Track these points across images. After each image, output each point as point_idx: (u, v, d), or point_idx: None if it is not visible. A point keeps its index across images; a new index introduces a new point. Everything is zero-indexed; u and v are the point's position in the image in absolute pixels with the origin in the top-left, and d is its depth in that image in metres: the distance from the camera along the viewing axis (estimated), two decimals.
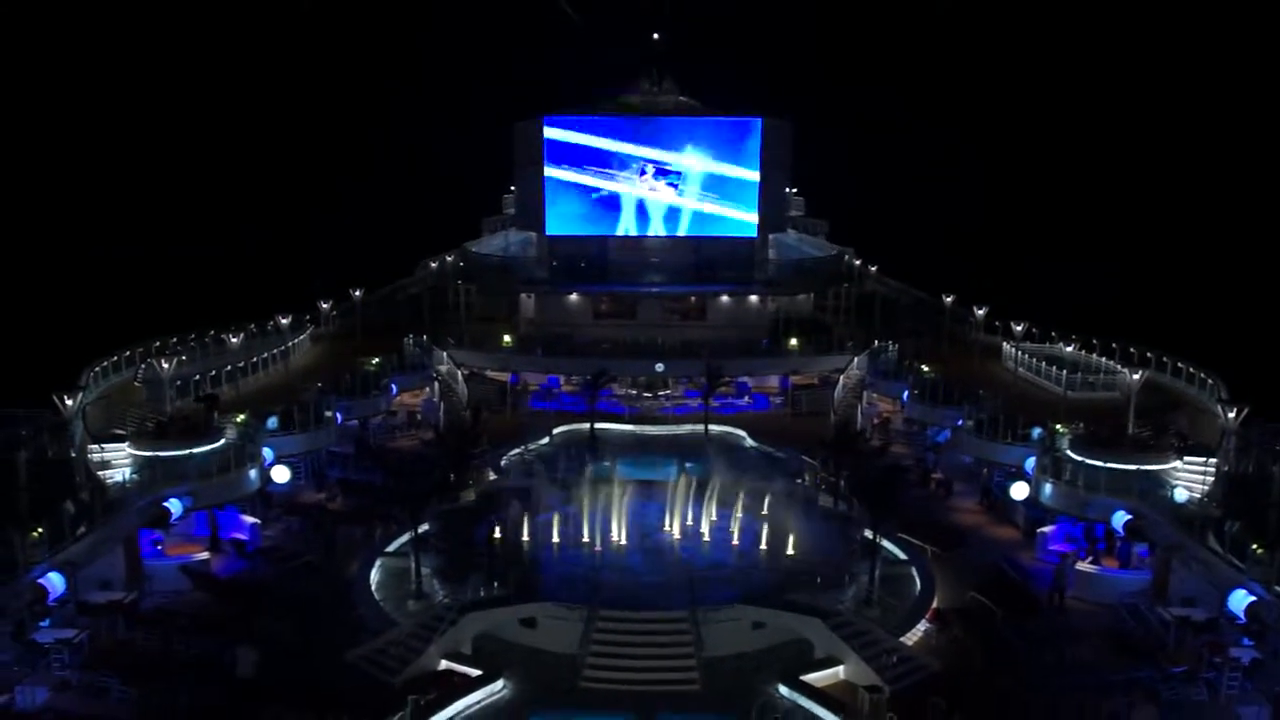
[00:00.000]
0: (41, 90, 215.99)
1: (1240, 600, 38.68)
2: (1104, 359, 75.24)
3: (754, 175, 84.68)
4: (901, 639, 40.58)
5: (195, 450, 49.32)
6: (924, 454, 65.04)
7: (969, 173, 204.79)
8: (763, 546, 48.14)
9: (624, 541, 48.78)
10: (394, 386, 72.31)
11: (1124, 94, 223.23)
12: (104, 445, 53.33)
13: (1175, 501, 47.07)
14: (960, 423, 62.62)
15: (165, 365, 54.13)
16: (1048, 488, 50.66)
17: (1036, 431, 56.54)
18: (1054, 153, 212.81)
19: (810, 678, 38.18)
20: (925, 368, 73.54)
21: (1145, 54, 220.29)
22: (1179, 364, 70.10)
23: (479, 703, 37.01)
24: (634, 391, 78.92)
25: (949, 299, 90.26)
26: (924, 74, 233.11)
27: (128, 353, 71.05)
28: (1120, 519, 46.66)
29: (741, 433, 69.45)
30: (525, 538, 48.70)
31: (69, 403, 51.35)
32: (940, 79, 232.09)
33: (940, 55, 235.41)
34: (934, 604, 43.65)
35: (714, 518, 51.50)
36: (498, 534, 48.36)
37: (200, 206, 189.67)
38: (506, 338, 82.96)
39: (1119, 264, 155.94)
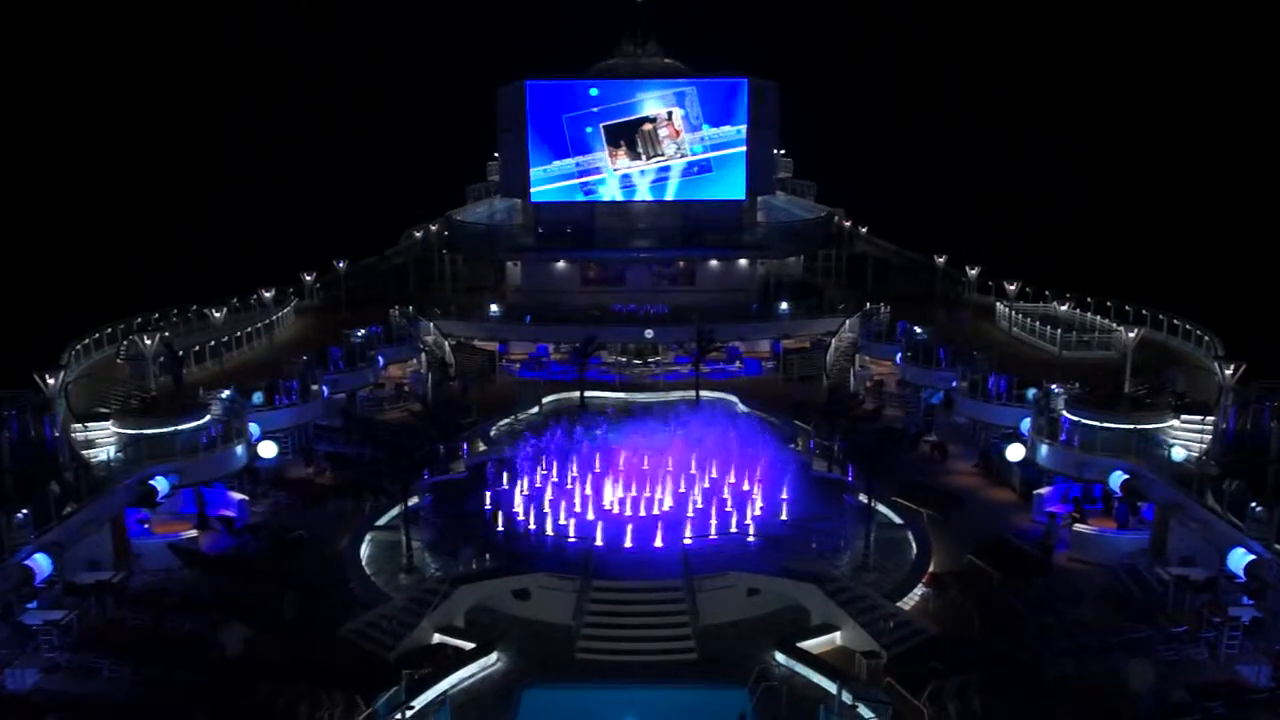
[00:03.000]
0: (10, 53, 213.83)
1: (1239, 559, 38.80)
2: (1099, 317, 75.38)
3: (741, 137, 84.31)
4: (898, 604, 40.67)
5: (181, 427, 49.09)
6: (917, 416, 65.14)
7: (959, 127, 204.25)
8: (756, 513, 48.15)
9: (616, 510, 48.78)
10: (381, 359, 72.10)
11: (1122, 45, 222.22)
12: (87, 424, 53.16)
13: (1173, 460, 47.14)
14: (954, 384, 62.71)
15: (148, 341, 53.82)
16: (1044, 449, 50.76)
17: (1031, 392, 56.64)
18: (1048, 106, 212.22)
19: (807, 644, 38.31)
20: (919, 328, 73.55)
21: (1144, 8, 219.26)
22: (1175, 321, 70.24)
23: (473, 676, 37.07)
24: (624, 359, 78.88)
25: (941, 259, 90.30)
26: (916, 24, 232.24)
27: (109, 329, 70.75)
28: (1117, 479, 46.82)
29: (733, 398, 69.42)
30: (516, 509, 48.74)
31: (50, 381, 51.06)
32: (933, 29, 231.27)
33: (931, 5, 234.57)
34: (930, 568, 43.79)
35: (706, 484, 51.53)
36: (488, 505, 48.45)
37: (178, 177, 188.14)
38: (494, 306, 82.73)
39: (1114, 219, 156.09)
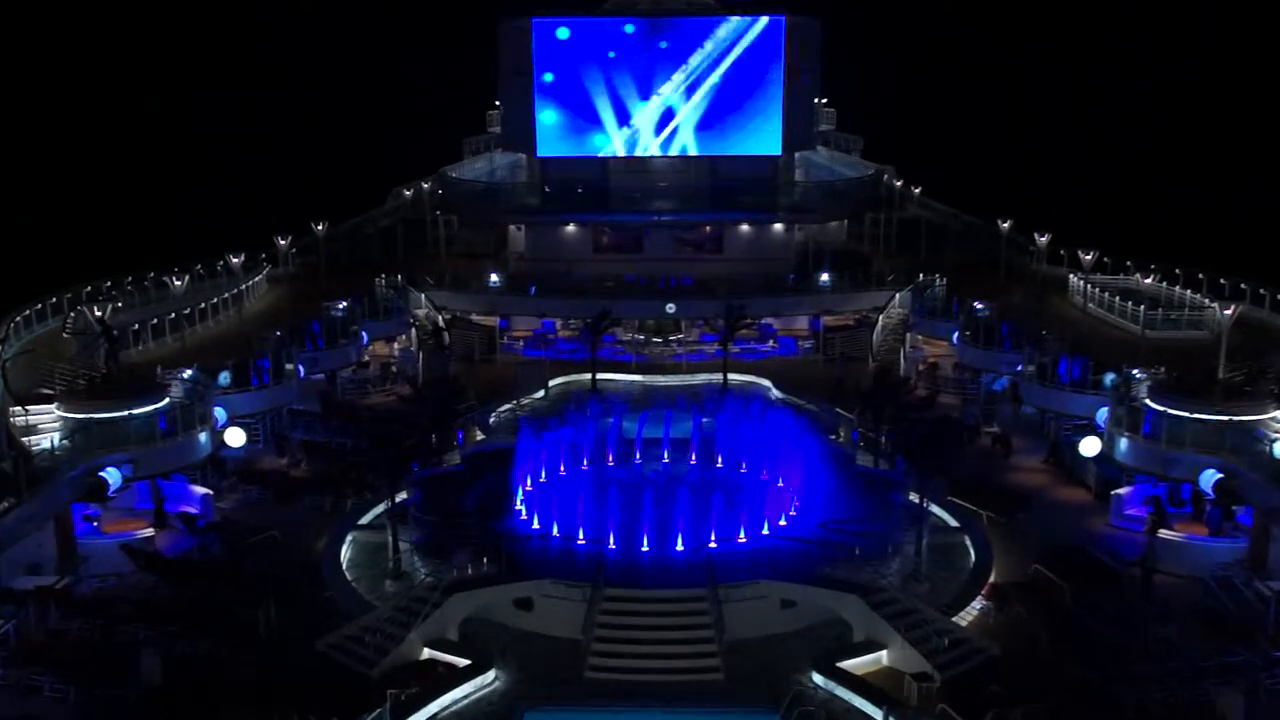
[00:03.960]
0: None
1: None
2: (1189, 292, 74.82)
3: (778, 83, 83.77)
4: (954, 619, 40.44)
5: (135, 411, 48.95)
6: (977, 405, 64.75)
7: (1027, 71, 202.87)
8: (792, 513, 47.90)
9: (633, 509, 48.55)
10: (365, 335, 72.02)
11: None
12: (28, 407, 53.11)
13: (1275, 457, 46.63)
14: (1020, 369, 62.30)
15: (98, 313, 53.78)
16: (1123, 443, 50.34)
17: (1110, 378, 56.13)
18: (1129, 55, 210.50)
19: (848, 664, 38.07)
20: (979, 304, 73.09)
21: None
22: (1278, 296, 69.64)
23: (468, 697, 36.93)
24: (641, 337, 78.59)
25: (1005, 224, 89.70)
26: None
27: (53, 299, 70.80)
28: (1209, 479, 46.26)
29: (766, 382, 69.20)
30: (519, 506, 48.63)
31: None
32: None
33: None
34: (991, 578, 43.51)
35: (735, 481, 51.29)
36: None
37: (132, 128, 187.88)
38: (494, 276, 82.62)
39: (1210, 178, 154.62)
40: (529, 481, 50.96)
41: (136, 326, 67.87)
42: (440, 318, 77.76)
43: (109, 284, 74.24)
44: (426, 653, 39.22)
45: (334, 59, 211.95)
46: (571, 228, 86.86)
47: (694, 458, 53.25)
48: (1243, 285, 69.69)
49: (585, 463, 53.22)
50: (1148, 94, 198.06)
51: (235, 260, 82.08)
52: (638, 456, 53.46)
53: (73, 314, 68.55)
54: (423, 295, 79.03)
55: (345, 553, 46.17)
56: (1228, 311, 52.88)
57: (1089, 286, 79.12)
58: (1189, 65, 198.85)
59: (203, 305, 74.17)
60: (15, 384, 56.46)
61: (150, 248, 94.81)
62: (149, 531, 48.14)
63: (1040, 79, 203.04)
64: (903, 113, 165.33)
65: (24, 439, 49.58)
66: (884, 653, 38.75)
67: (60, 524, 45.11)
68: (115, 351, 54.59)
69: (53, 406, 51.37)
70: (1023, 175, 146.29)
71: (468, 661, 38.38)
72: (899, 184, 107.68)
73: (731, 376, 68.88)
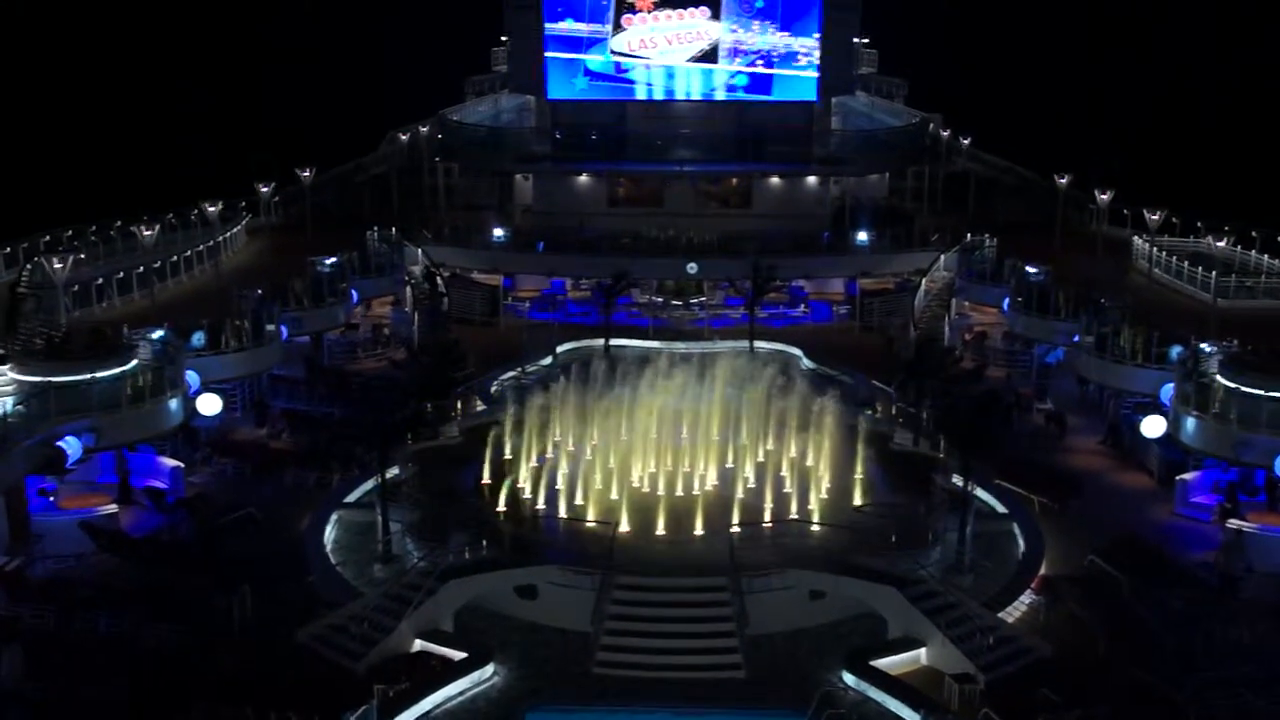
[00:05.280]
0: None
1: None
2: (1266, 256, 74.40)
3: (813, 21, 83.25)
4: (1000, 615, 40.37)
5: (99, 374, 48.91)
6: (1030, 379, 64.51)
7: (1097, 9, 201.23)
8: (823, 495, 47.79)
9: (647, 489, 48.52)
10: (355, 293, 71.93)
11: None
12: None
13: None
14: (1076, 339, 62.00)
15: (58, 266, 53.73)
16: (1190, 423, 50.05)
17: (1176, 350, 55.89)
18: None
19: (883, 663, 38.06)
20: (1033, 267, 72.71)
21: None
22: None
23: (464, 693, 37.00)
24: (660, 299, 78.47)
25: (1063, 180, 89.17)
26: None
27: (8, 249, 70.83)
28: None
29: (797, 351, 69.02)
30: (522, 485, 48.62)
31: None
32: None
33: None
34: (1042, 570, 43.43)
35: (760, 458, 51.19)
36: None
37: (94, 60, 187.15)
38: (499, 230, 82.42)
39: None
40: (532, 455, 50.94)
41: (100, 281, 67.89)
42: (431, 269, 77.52)
43: (70, 234, 74.20)
44: (418, 644, 39.26)
45: None
46: (584, 178, 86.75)
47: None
48: None
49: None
50: (1231, 27, 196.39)
51: (211, 209, 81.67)
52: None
53: (30, 266, 68.51)
54: (419, 250, 78.90)
55: (330, 534, 46.19)
56: None
57: (1155, 250, 78.66)
58: None
59: (175, 258, 74.16)
60: None
61: (117, 193, 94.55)
62: (112, 508, 48.02)
63: (1108, 11, 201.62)
64: (952, 54, 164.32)
65: None
66: (922, 651, 38.75)
67: (13, 498, 45.12)
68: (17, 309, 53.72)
69: (6, 368, 51.29)
70: (1085, 126, 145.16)
71: (464, 655, 38.36)
72: (946, 134, 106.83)
73: (758, 344, 68.67)
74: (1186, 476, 50.61)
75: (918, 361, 58.70)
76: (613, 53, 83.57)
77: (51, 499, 48.01)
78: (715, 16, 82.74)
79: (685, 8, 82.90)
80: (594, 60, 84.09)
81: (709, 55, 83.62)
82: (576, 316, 76.17)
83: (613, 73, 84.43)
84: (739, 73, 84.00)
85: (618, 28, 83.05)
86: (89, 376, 48.49)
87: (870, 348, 68.71)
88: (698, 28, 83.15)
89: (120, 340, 52.58)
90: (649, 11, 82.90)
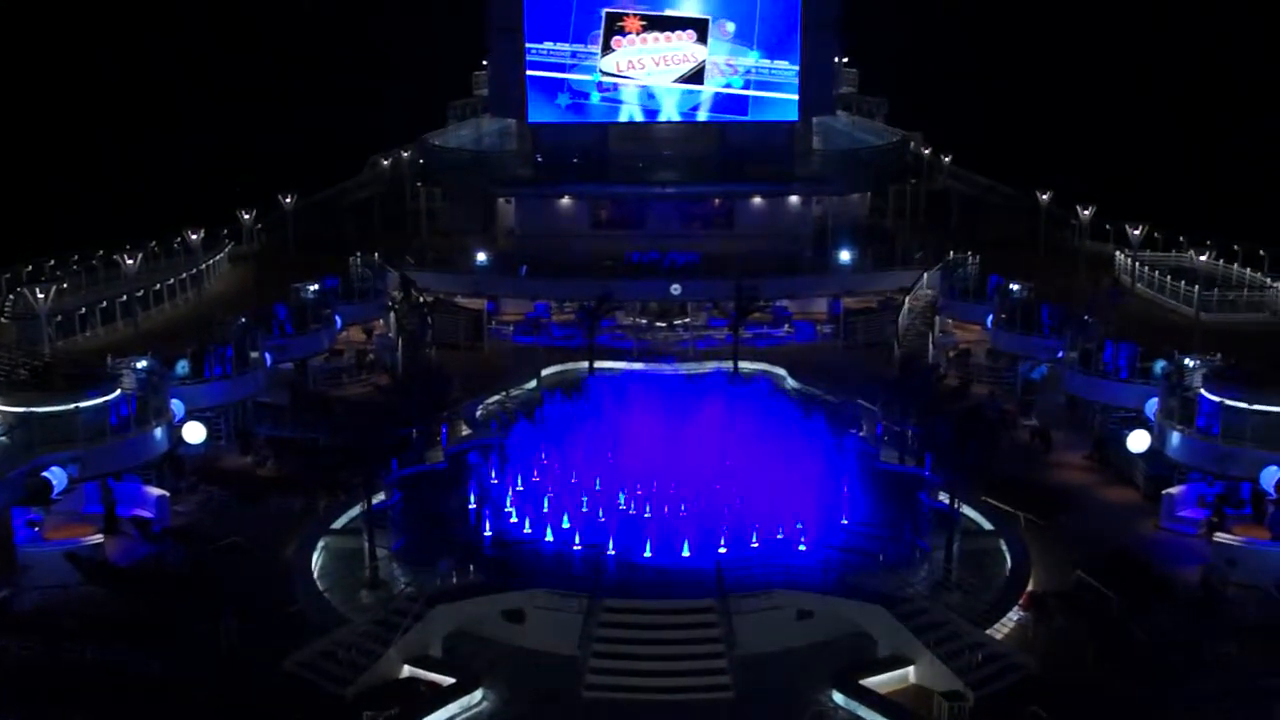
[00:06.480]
0: None
1: None
2: (1248, 270, 74.72)
3: (793, 43, 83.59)
4: (988, 631, 40.41)
5: (84, 404, 48.86)
6: (1014, 395, 64.69)
7: (1077, 31, 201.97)
8: (810, 516, 47.73)
9: (633, 511, 48.54)
10: (339, 319, 71.93)
11: None
12: None
13: None
14: (1060, 355, 62.21)
15: (40, 296, 53.69)
16: (1175, 437, 50.18)
17: (1160, 365, 56.05)
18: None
19: (872, 681, 38.06)
20: (1016, 284, 73.00)
21: None
22: None
23: (453, 718, 36.96)
24: (643, 321, 78.53)
25: (1045, 197, 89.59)
26: None
27: None
28: (1271, 476, 46.30)
29: (781, 371, 69.20)
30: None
31: None
32: None
33: None
34: (1030, 586, 43.45)
35: (746, 479, 51.19)
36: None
37: (80, 88, 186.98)
38: (481, 254, 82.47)
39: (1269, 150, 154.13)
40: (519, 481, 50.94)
41: (84, 310, 67.77)
42: (405, 280, 77.43)
43: (52, 263, 74.08)
44: (407, 671, 39.13)
45: (305, 10, 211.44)
46: (567, 201, 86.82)
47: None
48: None
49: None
50: (1209, 49, 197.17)
51: (194, 236, 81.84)
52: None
53: (13, 296, 68.45)
54: (399, 275, 78.90)
55: (316, 560, 46.11)
56: None
57: (1137, 265, 78.99)
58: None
59: (158, 286, 74.08)
60: None
61: (99, 223, 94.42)
62: (98, 538, 47.70)
63: (1088, 34, 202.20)
64: (932, 73, 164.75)
65: None
66: (911, 669, 38.72)
67: None
68: None
69: None
70: (1066, 143, 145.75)
71: (452, 680, 38.30)
72: (927, 152, 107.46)
73: (743, 364, 68.80)
74: (1172, 491, 50.64)
75: (903, 379, 58.90)
76: (602, 73, 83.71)
77: (37, 529, 47.75)
78: (702, 40, 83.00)
79: (673, 30, 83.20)
80: (576, 79, 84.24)
81: (695, 77, 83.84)
82: (561, 340, 76.14)
83: (594, 94, 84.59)
84: (724, 91, 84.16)
85: (607, 49, 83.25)
86: (74, 407, 48.45)
87: (855, 366, 68.79)
88: (685, 50, 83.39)
89: (104, 370, 52.64)
90: (638, 34, 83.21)
